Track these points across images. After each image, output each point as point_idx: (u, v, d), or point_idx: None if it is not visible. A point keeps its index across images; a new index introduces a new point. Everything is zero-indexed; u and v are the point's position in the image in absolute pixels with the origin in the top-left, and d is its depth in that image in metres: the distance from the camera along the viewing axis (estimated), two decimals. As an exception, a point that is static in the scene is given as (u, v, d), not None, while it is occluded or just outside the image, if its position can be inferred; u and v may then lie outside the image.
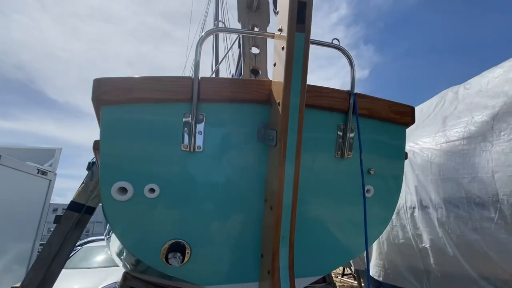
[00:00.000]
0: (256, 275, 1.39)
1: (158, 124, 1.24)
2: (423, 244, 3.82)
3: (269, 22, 2.09)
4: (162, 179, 1.27)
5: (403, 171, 1.58)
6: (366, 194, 1.55)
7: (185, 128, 1.24)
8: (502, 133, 3.21)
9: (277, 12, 1.16)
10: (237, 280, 1.40)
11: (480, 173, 3.22)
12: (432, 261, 3.68)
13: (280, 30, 1.09)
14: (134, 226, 1.31)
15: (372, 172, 1.50)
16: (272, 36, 1.26)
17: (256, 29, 2.07)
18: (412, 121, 1.52)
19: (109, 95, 1.15)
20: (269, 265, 1.18)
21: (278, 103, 1.10)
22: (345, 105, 1.35)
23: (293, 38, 1.01)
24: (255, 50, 1.99)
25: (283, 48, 1.05)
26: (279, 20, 1.12)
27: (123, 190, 1.24)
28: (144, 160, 1.25)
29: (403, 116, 1.49)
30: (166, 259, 1.29)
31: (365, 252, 1.51)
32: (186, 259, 1.29)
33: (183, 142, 1.25)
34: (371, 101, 1.40)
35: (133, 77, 1.20)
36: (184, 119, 1.23)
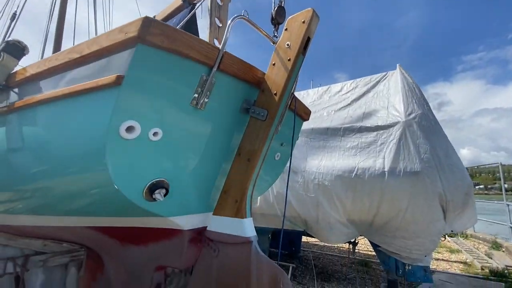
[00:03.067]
0: (206, 207, 1.86)
1: (179, 76, 1.36)
2: (255, 196, 5.47)
3: (227, 16, 2.35)
4: (167, 125, 1.41)
5: (294, 145, 2.53)
6: (276, 158, 2.40)
7: (199, 88, 1.45)
8: (314, 135, 5.25)
9: (286, 29, 1.65)
10: (195, 211, 1.80)
11: (301, 155, 5.11)
12: (257, 206, 5.38)
13: (289, 45, 1.60)
14: (129, 164, 1.36)
15: (283, 145, 2.36)
16: (272, 41, 1.73)
17: (217, 20, 2.26)
18: (308, 119, 2.51)
19: (154, 37, 1.14)
20: (236, 197, 1.71)
21: (275, 94, 1.62)
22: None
23: (298, 57, 1.58)
24: (218, 23, 2.18)
25: (289, 60, 1.58)
26: (287, 38, 1.61)
27: (131, 129, 1.28)
28: (157, 104, 1.33)
29: (307, 115, 2.45)
30: (151, 194, 1.47)
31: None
32: (165, 196, 1.54)
33: (193, 98, 1.46)
34: (299, 103, 2.21)
35: (180, 30, 1.23)
36: (200, 80, 1.44)
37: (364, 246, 8.09)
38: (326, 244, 8.59)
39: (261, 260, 1.55)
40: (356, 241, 6.02)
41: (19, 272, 2.16)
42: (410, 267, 4.91)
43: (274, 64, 1.67)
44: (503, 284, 5.36)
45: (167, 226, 1.82)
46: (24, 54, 1.69)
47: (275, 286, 1.45)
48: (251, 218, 1.76)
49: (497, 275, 5.84)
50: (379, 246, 5.05)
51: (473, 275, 6.00)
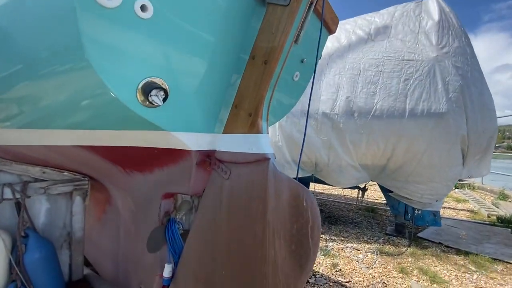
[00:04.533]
0: (214, 127, 1.61)
1: None
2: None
3: None
4: None
5: (316, 64, 2.12)
6: (294, 78, 2.06)
7: None
8: (330, 70, 4.77)
9: None
10: (202, 130, 1.55)
11: (314, 96, 4.72)
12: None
13: None
14: (115, 50, 1.05)
15: (304, 61, 1.99)
16: None
17: None
18: (335, 31, 2.08)
19: None
20: (250, 109, 1.43)
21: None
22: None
23: None
24: None
25: None
26: None
27: None
28: None
29: (334, 26, 2.01)
30: (146, 95, 1.19)
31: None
32: (165, 100, 1.26)
33: None
34: (327, 4, 1.77)
35: None
36: None
37: (371, 194, 8.16)
38: (332, 192, 8.71)
39: (279, 178, 1.33)
40: (366, 187, 5.98)
41: (19, 198, 2.06)
42: (419, 212, 4.89)
43: None
44: (510, 229, 5.38)
45: (172, 146, 1.59)
46: None
47: (296, 203, 1.26)
48: (268, 134, 1.51)
49: (504, 221, 5.84)
50: (390, 191, 4.98)
51: (479, 221, 6.03)
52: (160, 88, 1.20)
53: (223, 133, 1.58)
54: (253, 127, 1.41)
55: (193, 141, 1.55)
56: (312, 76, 2.02)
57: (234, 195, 1.51)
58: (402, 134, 4.17)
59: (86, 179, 2.32)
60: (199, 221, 1.72)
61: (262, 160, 1.36)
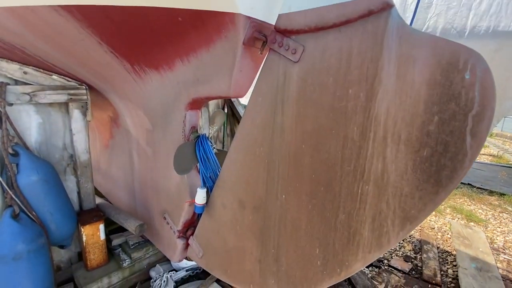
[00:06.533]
0: None
1: None
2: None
3: None
4: None
5: None
6: None
7: None
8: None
9: None
10: None
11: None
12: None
13: None
14: None
15: None
16: None
17: None
18: None
19: None
20: None
21: None
22: None
23: None
24: None
25: None
26: None
27: None
28: None
29: None
30: None
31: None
32: None
33: None
34: None
35: None
36: None
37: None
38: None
39: (409, 40, 0.78)
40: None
41: (-2, 106, 1.56)
42: (450, 152, 4.53)
43: None
44: (539, 173, 5.11)
45: (207, 6, 1.02)
46: None
47: (446, 79, 0.73)
48: None
49: (533, 165, 5.56)
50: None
51: (506, 164, 5.75)
52: None
53: None
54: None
55: None
56: None
57: (308, 85, 0.99)
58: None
59: (84, 86, 1.79)
60: (245, 131, 1.24)
61: (376, 11, 0.80)
